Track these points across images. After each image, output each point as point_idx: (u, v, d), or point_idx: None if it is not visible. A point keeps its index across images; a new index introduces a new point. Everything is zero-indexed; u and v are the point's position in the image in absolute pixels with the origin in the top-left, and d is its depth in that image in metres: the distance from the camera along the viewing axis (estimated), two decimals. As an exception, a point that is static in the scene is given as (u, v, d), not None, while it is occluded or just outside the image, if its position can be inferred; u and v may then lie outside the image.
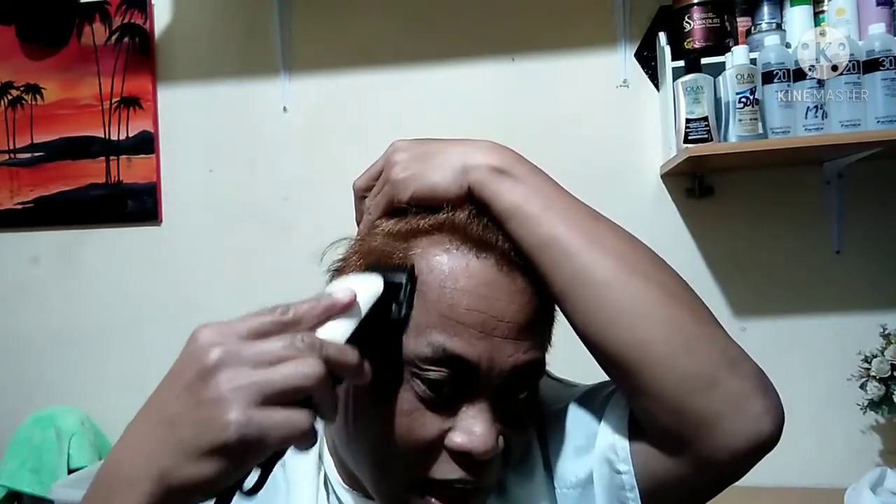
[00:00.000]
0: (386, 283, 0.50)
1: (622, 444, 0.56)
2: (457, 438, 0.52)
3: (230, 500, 0.43)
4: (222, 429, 0.40)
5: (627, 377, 0.53)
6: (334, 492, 0.61)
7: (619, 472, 0.56)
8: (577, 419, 0.60)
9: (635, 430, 0.56)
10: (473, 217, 0.55)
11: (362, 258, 0.57)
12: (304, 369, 0.42)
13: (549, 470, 0.60)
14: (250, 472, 0.43)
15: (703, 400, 0.51)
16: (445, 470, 0.53)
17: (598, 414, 0.59)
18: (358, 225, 0.63)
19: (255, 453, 0.41)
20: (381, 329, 0.51)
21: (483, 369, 0.52)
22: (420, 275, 0.53)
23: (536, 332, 0.55)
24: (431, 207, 0.56)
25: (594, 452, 0.57)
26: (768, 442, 0.52)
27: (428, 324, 0.52)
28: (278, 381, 0.41)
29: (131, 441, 0.43)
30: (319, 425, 0.46)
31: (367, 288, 0.50)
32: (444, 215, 0.55)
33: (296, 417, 0.41)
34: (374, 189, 0.61)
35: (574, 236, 0.53)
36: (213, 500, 0.43)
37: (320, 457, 0.62)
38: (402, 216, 0.57)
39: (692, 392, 0.51)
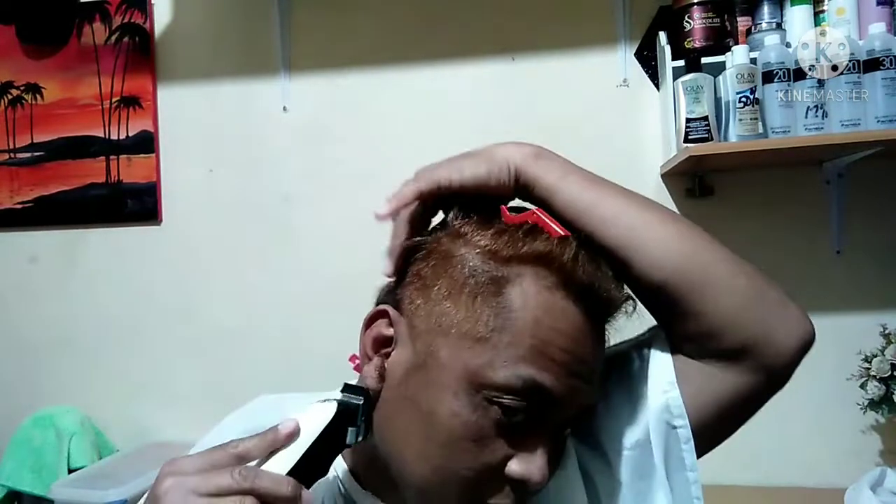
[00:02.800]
0: (342, 407, 0.54)
1: (676, 401, 0.61)
2: (519, 468, 0.54)
3: None
4: None
5: (692, 302, 0.59)
6: (350, 496, 0.62)
7: (675, 427, 0.61)
8: (619, 387, 0.64)
9: (683, 372, 0.61)
10: (578, 258, 0.55)
11: (446, 269, 0.56)
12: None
13: (592, 444, 0.64)
14: None
15: (761, 310, 0.59)
16: (498, 495, 0.54)
17: (641, 376, 0.63)
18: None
19: None
20: (335, 452, 0.54)
21: (563, 406, 0.54)
22: (513, 305, 0.54)
23: (599, 376, 0.58)
24: (530, 229, 0.56)
25: (649, 412, 0.62)
26: (813, 337, 0.61)
27: (515, 355, 0.53)
28: None
29: None
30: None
31: (316, 416, 0.53)
32: (548, 246, 0.55)
33: None
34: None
35: (618, 196, 0.61)
36: None
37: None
38: (492, 224, 0.57)
39: (751, 304, 0.59)
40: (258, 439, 0.50)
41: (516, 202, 0.62)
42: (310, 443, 0.51)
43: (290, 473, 0.50)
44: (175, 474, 0.48)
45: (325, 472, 0.53)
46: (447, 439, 0.53)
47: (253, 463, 0.50)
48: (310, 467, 0.51)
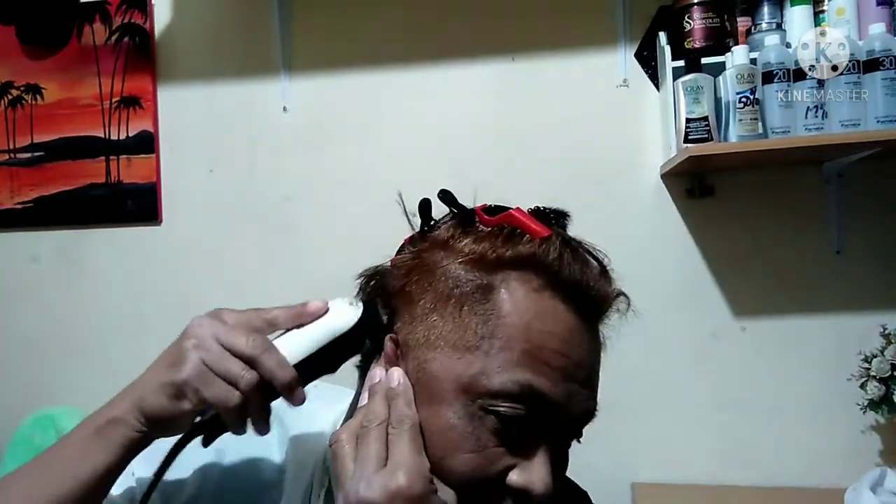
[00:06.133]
0: (366, 318, 0.56)
1: None
2: (521, 478, 0.52)
3: (187, 443, 0.55)
4: (180, 369, 0.52)
5: None
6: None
7: None
8: None
9: None
10: (563, 257, 0.54)
11: (430, 282, 0.55)
12: (245, 375, 0.51)
13: None
14: (194, 421, 0.54)
15: None
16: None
17: None
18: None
19: (196, 397, 0.52)
20: (349, 354, 0.56)
21: (562, 412, 0.53)
22: (501, 311, 0.53)
23: (598, 381, 0.57)
24: (510, 232, 0.55)
25: None
26: None
27: (509, 360, 0.52)
28: (225, 369, 0.52)
29: (116, 397, 0.56)
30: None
31: (343, 315, 0.55)
32: (531, 248, 0.54)
33: (229, 392, 0.51)
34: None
35: None
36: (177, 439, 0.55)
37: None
38: (472, 230, 0.56)
39: None
40: (286, 310, 0.56)
41: (492, 201, 0.60)
42: (330, 339, 0.55)
43: (303, 360, 0.54)
44: (212, 317, 0.54)
45: (334, 369, 0.56)
46: (445, 452, 0.52)
47: (277, 333, 0.55)
48: (321, 361, 0.55)
